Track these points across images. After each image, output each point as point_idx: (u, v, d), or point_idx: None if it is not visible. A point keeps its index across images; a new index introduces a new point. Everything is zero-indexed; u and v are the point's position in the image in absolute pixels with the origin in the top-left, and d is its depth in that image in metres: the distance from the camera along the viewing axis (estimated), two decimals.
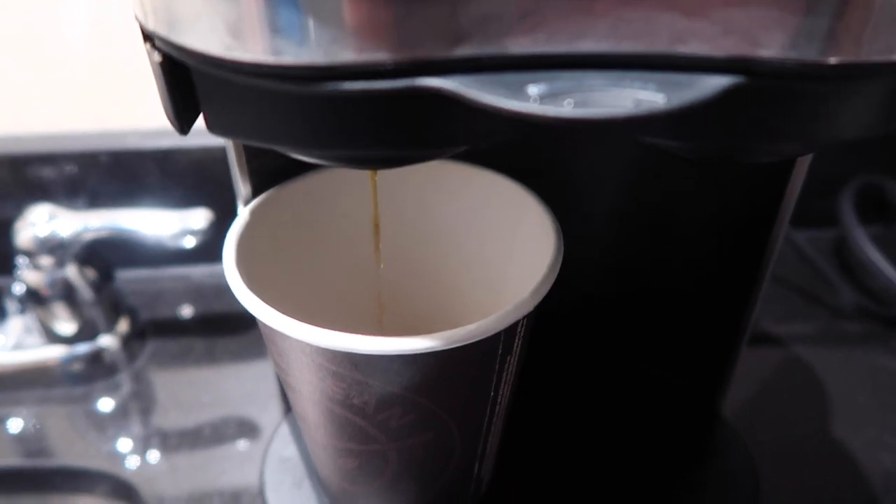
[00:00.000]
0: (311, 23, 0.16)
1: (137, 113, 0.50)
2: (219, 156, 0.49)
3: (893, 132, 0.20)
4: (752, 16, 0.16)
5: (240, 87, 0.17)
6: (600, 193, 0.33)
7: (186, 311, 0.50)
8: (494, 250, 0.29)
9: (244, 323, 0.49)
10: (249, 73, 0.16)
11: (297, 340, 0.22)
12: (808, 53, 0.16)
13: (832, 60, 0.16)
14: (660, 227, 0.33)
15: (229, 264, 0.25)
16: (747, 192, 0.30)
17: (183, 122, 0.19)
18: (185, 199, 0.50)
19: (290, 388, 0.26)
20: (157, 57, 0.18)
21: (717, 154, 0.19)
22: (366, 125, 0.18)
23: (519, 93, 0.16)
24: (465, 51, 0.16)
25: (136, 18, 0.18)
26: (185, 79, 0.18)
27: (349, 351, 0.22)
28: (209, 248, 0.43)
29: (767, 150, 0.19)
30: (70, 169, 0.49)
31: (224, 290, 0.51)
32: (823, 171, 0.51)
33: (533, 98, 0.16)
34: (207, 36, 0.16)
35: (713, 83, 0.16)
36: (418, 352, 0.22)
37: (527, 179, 0.29)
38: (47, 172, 0.49)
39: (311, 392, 0.25)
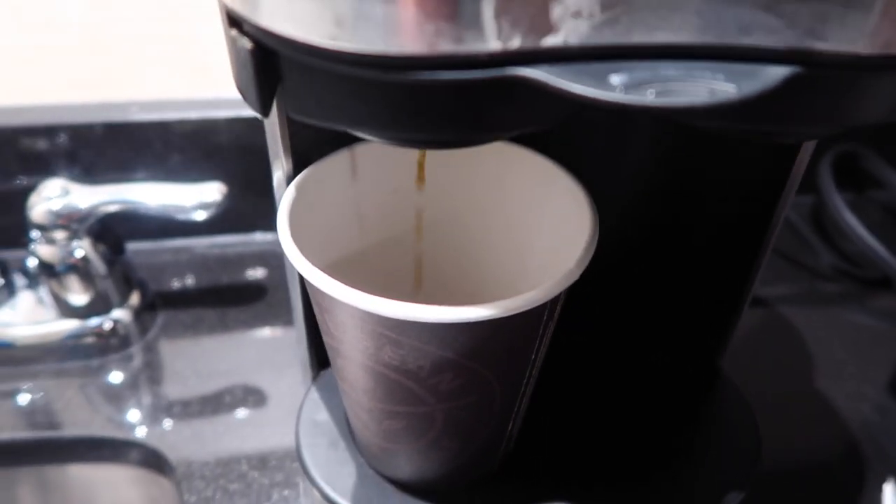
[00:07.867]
0: (410, 15, 0.17)
1: (135, 82, 0.50)
2: (219, 127, 0.49)
3: None
4: (813, 10, 0.17)
5: (332, 74, 0.18)
6: (612, 164, 0.35)
7: (192, 283, 0.50)
8: (526, 221, 0.31)
9: (252, 292, 0.50)
10: (352, 63, 0.17)
11: (359, 309, 0.24)
12: (862, 46, 0.18)
13: (883, 52, 0.18)
14: (671, 196, 0.35)
15: (287, 241, 0.25)
16: (756, 163, 0.32)
17: (265, 106, 0.20)
18: (186, 171, 0.50)
19: (339, 355, 0.28)
20: (248, 44, 0.19)
21: (756, 136, 0.21)
22: (447, 111, 0.19)
23: (603, 82, 0.17)
24: (549, 41, 0.17)
25: (223, 3, 0.19)
26: (272, 65, 0.19)
27: (413, 320, 0.23)
28: (208, 220, 0.43)
29: (805, 133, 0.21)
30: (65, 140, 0.48)
31: (228, 261, 0.52)
32: None
33: (618, 88, 0.17)
34: (310, 26, 0.17)
35: (776, 73, 0.17)
36: (476, 320, 0.23)
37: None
38: (44, 144, 0.48)
39: (364, 359, 0.26)
